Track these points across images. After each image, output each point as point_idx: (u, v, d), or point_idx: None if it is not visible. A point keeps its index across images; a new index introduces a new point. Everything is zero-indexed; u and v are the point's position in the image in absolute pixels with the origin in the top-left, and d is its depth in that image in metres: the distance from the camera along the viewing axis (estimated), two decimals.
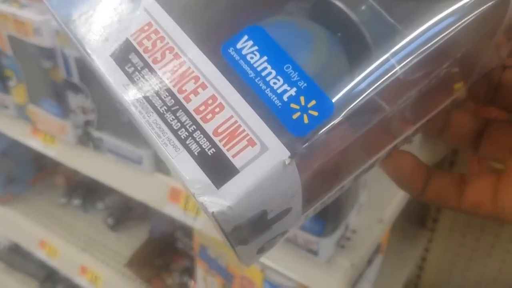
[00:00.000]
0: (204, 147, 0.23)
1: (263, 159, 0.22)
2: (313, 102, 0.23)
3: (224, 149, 0.22)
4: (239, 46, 0.25)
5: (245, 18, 0.26)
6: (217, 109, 0.23)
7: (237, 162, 0.22)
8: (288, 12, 0.28)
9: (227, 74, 0.24)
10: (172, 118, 0.23)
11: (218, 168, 0.22)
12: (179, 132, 0.23)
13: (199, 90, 0.24)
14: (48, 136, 0.98)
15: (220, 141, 0.23)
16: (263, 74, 0.24)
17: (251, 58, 0.24)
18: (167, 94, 0.24)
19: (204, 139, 0.23)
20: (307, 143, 0.22)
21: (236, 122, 0.23)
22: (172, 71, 0.24)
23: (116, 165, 0.88)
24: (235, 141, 0.22)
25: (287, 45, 0.25)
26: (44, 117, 0.93)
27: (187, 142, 0.23)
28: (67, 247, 1.32)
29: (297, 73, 0.24)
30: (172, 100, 0.24)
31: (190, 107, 0.23)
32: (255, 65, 0.24)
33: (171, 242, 1.18)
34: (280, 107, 0.23)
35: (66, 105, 0.87)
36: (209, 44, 0.25)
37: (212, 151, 0.22)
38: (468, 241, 1.35)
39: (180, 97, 0.24)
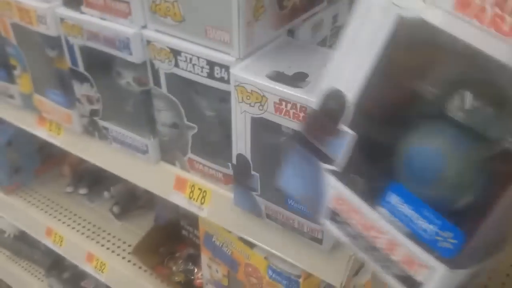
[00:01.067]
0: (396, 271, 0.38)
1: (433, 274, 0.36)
2: (449, 234, 0.34)
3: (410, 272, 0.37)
4: (389, 199, 0.38)
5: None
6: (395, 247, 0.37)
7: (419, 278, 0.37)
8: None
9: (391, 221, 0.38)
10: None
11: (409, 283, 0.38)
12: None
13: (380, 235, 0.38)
14: (54, 126, 0.97)
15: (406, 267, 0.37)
16: (412, 217, 0.36)
17: (400, 207, 0.36)
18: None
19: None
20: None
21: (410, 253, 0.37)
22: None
23: (121, 154, 0.88)
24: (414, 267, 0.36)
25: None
26: (50, 106, 0.92)
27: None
28: (73, 235, 1.32)
29: (432, 214, 0.35)
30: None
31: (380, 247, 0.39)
32: (404, 212, 0.36)
33: (176, 230, 1.18)
34: (429, 239, 0.35)
35: (72, 94, 0.86)
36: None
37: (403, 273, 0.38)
38: None
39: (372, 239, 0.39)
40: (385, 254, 0.37)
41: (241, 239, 0.81)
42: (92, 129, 0.89)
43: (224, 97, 0.68)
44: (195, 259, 1.16)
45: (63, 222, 1.37)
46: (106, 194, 1.43)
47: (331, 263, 0.68)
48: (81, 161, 1.53)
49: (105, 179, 1.48)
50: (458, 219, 0.34)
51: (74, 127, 0.91)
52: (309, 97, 0.54)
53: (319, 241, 0.66)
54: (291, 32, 0.72)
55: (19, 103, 0.99)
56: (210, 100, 0.72)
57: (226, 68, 0.64)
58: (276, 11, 0.66)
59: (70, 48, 0.79)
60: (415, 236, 0.36)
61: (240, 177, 0.69)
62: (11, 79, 0.95)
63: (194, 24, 0.64)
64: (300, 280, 0.74)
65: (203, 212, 0.81)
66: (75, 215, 1.40)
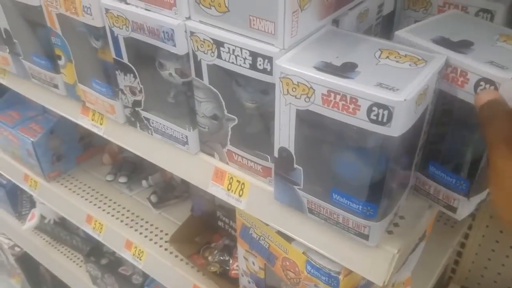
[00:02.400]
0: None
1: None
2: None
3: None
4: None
5: None
6: None
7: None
8: None
9: None
10: None
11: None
12: None
13: None
14: (97, 116, 0.98)
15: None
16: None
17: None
18: None
19: None
20: None
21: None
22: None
23: (161, 145, 0.87)
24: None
25: None
26: (94, 96, 0.92)
27: None
28: (113, 223, 1.33)
29: None
30: None
31: None
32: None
33: (212, 220, 1.18)
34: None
35: (116, 85, 0.86)
36: None
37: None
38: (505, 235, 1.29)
39: None
40: None
41: (279, 233, 0.79)
42: (134, 119, 0.89)
43: (265, 89, 0.66)
44: (230, 250, 1.16)
45: (103, 210, 1.39)
46: (144, 183, 1.45)
47: (374, 260, 0.66)
48: (121, 150, 1.55)
49: (143, 168, 1.50)
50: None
51: (117, 117, 0.91)
52: (360, 88, 0.51)
53: (365, 237, 0.63)
54: (335, 22, 0.69)
55: (63, 93, 1.00)
56: (251, 92, 0.70)
57: (270, 59, 0.62)
58: (319, 2, 0.63)
59: (115, 39, 0.78)
60: None
61: (282, 171, 0.68)
62: (55, 69, 0.96)
63: (238, 15, 0.62)
64: (340, 276, 0.72)
65: (241, 204, 0.80)
66: (114, 203, 1.42)
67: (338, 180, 0.61)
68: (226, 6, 0.63)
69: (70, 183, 1.50)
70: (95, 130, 0.99)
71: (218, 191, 0.82)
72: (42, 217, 1.77)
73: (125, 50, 0.79)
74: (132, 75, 0.82)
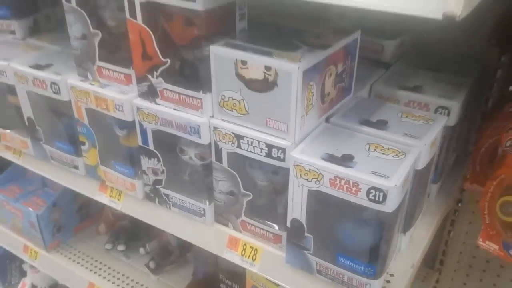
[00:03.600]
0: None
1: None
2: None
3: None
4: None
5: None
6: None
7: None
8: None
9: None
10: None
11: None
12: None
13: None
14: (115, 192, 1.08)
15: None
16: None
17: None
18: None
19: None
20: None
21: None
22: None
23: (179, 217, 0.99)
24: None
25: None
26: (115, 176, 1.04)
27: None
28: None
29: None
30: None
31: None
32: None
33: (215, 283, 1.27)
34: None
35: (138, 167, 0.98)
36: None
37: None
38: (471, 281, 1.44)
39: None
40: None
41: None
42: (153, 195, 1.01)
43: (276, 171, 0.81)
44: None
45: (104, 277, 1.45)
46: (141, 250, 1.52)
47: None
48: (117, 219, 1.63)
49: (140, 236, 1.58)
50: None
51: (136, 194, 1.03)
52: (361, 175, 0.67)
53: None
54: (327, 118, 0.86)
55: (83, 173, 1.11)
56: (264, 173, 0.85)
57: (283, 150, 0.77)
58: (320, 105, 0.80)
59: (143, 130, 0.92)
60: None
61: (294, 239, 0.81)
62: (77, 153, 1.08)
63: (256, 117, 0.78)
64: None
65: (255, 268, 0.91)
66: (114, 270, 1.49)
67: (343, 246, 0.75)
68: (246, 110, 0.78)
69: (70, 253, 1.55)
70: (113, 205, 1.09)
71: (233, 257, 0.94)
72: (33, 286, 1.78)
73: (151, 140, 0.92)
74: (156, 159, 0.95)
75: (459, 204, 1.27)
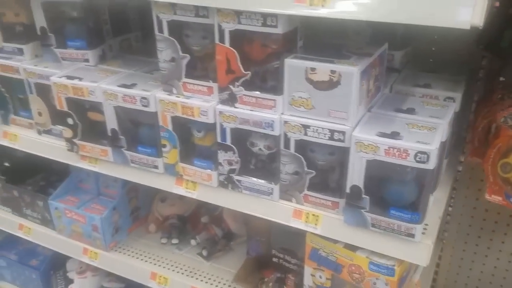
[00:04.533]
0: None
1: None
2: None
3: None
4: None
5: None
6: None
7: None
8: None
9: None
10: None
11: None
12: None
13: None
14: (190, 184, 1.28)
15: None
16: None
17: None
18: None
19: None
20: None
21: None
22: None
23: (249, 198, 1.20)
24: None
25: None
26: (193, 170, 1.24)
27: None
28: (175, 275, 1.57)
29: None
30: None
31: None
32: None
33: (266, 259, 1.47)
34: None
35: (214, 160, 1.19)
36: None
37: None
38: (469, 246, 1.70)
39: None
40: None
41: (346, 246, 1.13)
42: (227, 183, 1.21)
43: (332, 152, 1.04)
44: (282, 281, 1.44)
45: (163, 267, 1.62)
46: (193, 241, 1.71)
47: (418, 251, 1.01)
48: (164, 219, 1.81)
49: (187, 231, 1.76)
50: None
51: (212, 183, 1.23)
52: (410, 144, 0.91)
53: (412, 236, 1.00)
54: (369, 109, 1.10)
55: (161, 171, 1.30)
56: (323, 154, 1.07)
57: (343, 133, 1.00)
58: (366, 98, 1.04)
59: (223, 130, 1.13)
60: None
61: (352, 201, 1.03)
62: (159, 154, 1.27)
63: (320, 110, 1.01)
64: (395, 267, 1.06)
65: (318, 231, 1.13)
66: (170, 260, 1.66)
67: (395, 201, 0.98)
68: (312, 105, 1.01)
69: (127, 250, 1.72)
70: (188, 195, 1.29)
71: (298, 224, 1.15)
72: None
73: (229, 136, 1.14)
74: (232, 152, 1.16)
75: (459, 173, 1.52)
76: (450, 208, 1.60)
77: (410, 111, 1.07)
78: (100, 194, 1.80)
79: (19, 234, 1.88)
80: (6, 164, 2.05)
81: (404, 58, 1.37)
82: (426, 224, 1.07)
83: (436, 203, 1.17)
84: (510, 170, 1.07)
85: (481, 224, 1.63)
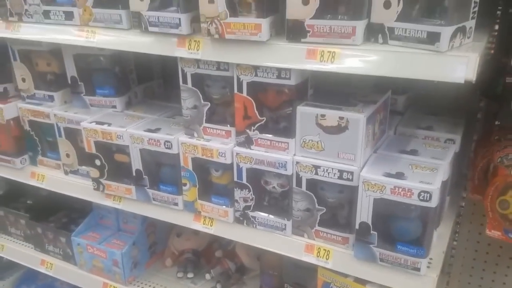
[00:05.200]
0: None
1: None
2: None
3: None
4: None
5: None
6: None
7: None
8: None
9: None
10: None
11: None
12: None
13: None
14: (207, 220, 1.34)
15: None
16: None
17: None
18: None
19: None
20: None
21: None
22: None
23: (263, 233, 1.25)
24: None
25: None
26: (210, 207, 1.30)
27: None
28: None
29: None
30: None
31: None
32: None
33: None
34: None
35: (231, 198, 1.25)
36: None
37: None
38: (474, 279, 1.71)
39: None
40: None
41: (356, 280, 1.17)
42: (242, 218, 1.27)
43: (341, 190, 1.10)
44: None
45: None
46: (207, 276, 1.74)
47: (424, 284, 1.05)
48: (180, 254, 1.85)
49: (203, 265, 1.80)
50: None
51: (228, 219, 1.29)
52: (414, 184, 0.97)
53: (418, 269, 1.04)
54: (375, 150, 1.17)
55: (180, 208, 1.36)
56: (332, 192, 1.13)
57: (352, 173, 1.06)
58: (372, 141, 1.11)
59: (239, 169, 1.20)
60: None
61: (361, 237, 1.08)
62: (179, 192, 1.34)
63: (330, 152, 1.08)
64: None
65: (329, 265, 1.17)
66: None
67: (401, 237, 1.03)
68: (322, 147, 1.09)
69: (145, 284, 1.75)
70: (205, 230, 1.34)
71: (310, 259, 1.20)
72: None
73: (245, 175, 1.21)
74: (247, 190, 1.22)
75: (461, 208, 1.56)
76: (454, 242, 1.63)
77: (413, 152, 1.14)
78: (120, 230, 1.85)
79: (41, 269, 1.91)
80: (29, 202, 2.11)
81: (407, 102, 1.45)
82: (431, 258, 1.12)
83: (440, 238, 1.21)
84: (507, 207, 1.12)
85: (485, 257, 1.65)
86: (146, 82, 1.64)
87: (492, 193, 1.16)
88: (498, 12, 1.25)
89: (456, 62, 0.84)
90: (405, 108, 1.44)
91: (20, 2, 1.33)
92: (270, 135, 1.14)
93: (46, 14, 1.31)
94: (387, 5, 0.91)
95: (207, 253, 1.83)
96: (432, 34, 0.86)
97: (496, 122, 1.29)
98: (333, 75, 1.19)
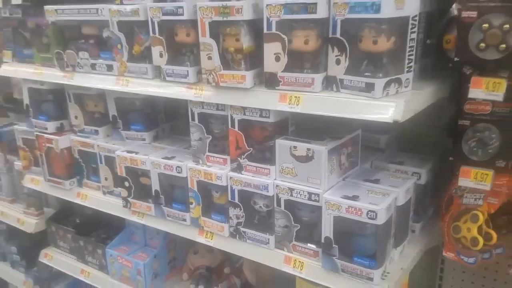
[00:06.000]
0: None
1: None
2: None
3: None
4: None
5: None
6: None
7: None
8: None
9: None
10: None
11: None
12: None
13: None
14: (209, 234, 1.56)
15: None
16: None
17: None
18: None
19: None
20: None
21: None
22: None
23: (251, 246, 1.44)
24: None
25: None
26: (211, 223, 1.52)
27: None
28: None
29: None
30: None
31: None
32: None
33: None
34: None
35: (227, 215, 1.47)
36: None
37: None
38: None
39: None
40: None
41: None
42: (235, 233, 1.48)
43: (313, 210, 1.29)
44: None
45: None
46: None
47: None
48: (195, 269, 2.06)
49: (213, 280, 1.99)
50: None
51: (224, 233, 1.50)
52: (364, 205, 1.14)
53: (371, 279, 1.19)
54: (344, 178, 1.35)
55: (188, 224, 1.59)
56: (305, 212, 1.32)
57: (318, 195, 1.25)
58: (339, 170, 1.30)
59: (232, 191, 1.43)
60: None
61: (326, 250, 1.26)
62: (187, 209, 1.58)
63: (302, 177, 1.28)
64: None
65: (302, 275, 1.34)
66: None
67: (356, 250, 1.19)
68: (296, 173, 1.29)
69: None
70: (207, 243, 1.56)
71: (288, 269, 1.37)
72: None
73: (237, 196, 1.43)
74: (239, 208, 1.44)
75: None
76: (441, 266, 1.72)
77: (376, 181, 1.32)
78: (146, 245, 2.10)
79: (81, 277, 2.19)
80: (77, 220, 2.43)
81: (389, 140, 1.62)
82: (388, 272, 1.25)
83: (403, 257, 1.34)
84: (459, 231, 1.25)
85: (471, 278, 1.71)
86: (172, 120, 1.93)
87: (448, 220, 1.29)
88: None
89: (386, 106, 1.04)
90: (386, 146, 1.61)
91: (74, 57, 1.69)
92: (256, 163, 1.37)
93: (93, 66, 1.66)
94: (338, 62, 1.14)
95: (218, 270, 2.03)
96: (369, 84, 1.07)
97: (450, 158, 1.41)
98: (316, 116, 1.41)
